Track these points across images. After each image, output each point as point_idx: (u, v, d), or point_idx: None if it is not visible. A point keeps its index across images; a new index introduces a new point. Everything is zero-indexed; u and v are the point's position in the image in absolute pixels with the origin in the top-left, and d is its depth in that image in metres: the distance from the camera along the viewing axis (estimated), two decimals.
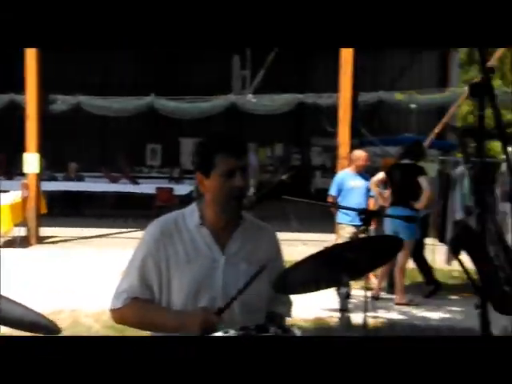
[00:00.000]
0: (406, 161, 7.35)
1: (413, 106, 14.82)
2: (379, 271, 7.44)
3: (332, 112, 11.37)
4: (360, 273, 2.32)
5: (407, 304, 7.25)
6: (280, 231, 2.53)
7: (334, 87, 10.71)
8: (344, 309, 6.40)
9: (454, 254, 3.11)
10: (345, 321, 6.26)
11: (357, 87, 10.55)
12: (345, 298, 6.43)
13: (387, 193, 7.53)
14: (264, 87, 14.60)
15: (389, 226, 7.16)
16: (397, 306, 7.20)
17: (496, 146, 23.34)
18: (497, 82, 21.51)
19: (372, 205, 7.59)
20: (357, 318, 6.08)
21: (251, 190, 12.48)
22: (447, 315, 6.86)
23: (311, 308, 6.44)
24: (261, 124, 15.84)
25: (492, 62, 12.69)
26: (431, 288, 7.72)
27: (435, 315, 6.89)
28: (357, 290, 7.09)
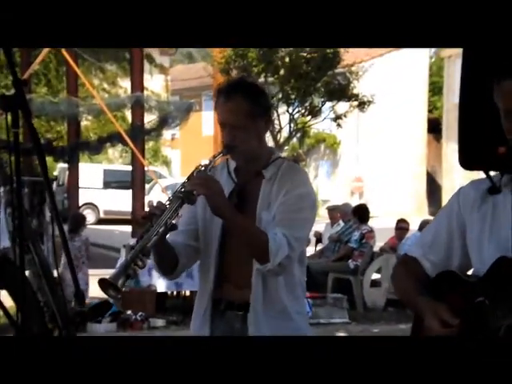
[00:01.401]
0: None
1: None
2: None
3: None
4: None
5: None
6: None
7: None
8: None
9: None
10: None
11: None
12: None
13: None
14: None
15: None
16: None
17: (49, 161, 23.97)
18: (42, 90, 22.00)
19: None
20: None
21: None
22: None
23: None
24: None
25: (35, 66, 13.01)
26: None
27: None
28: None
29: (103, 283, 2.32)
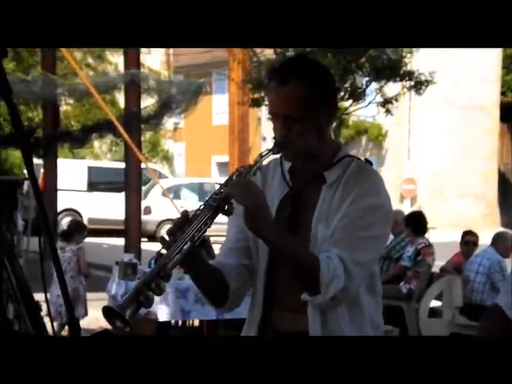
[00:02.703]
0: None
1: None
2: None
3: None
4: None
5: None
6: None
7: None
8: None
9: None
10: None
11: None
12: None
13: None
14: None
15: None
16: None
17: (16, 155, 24.07)
18: (9, 65, 22.08)
19: None
20: None
21: None
22: None
23: None
24: None
25: None
26: None
27: None
28: None
29: (108, 312, 2.30)
